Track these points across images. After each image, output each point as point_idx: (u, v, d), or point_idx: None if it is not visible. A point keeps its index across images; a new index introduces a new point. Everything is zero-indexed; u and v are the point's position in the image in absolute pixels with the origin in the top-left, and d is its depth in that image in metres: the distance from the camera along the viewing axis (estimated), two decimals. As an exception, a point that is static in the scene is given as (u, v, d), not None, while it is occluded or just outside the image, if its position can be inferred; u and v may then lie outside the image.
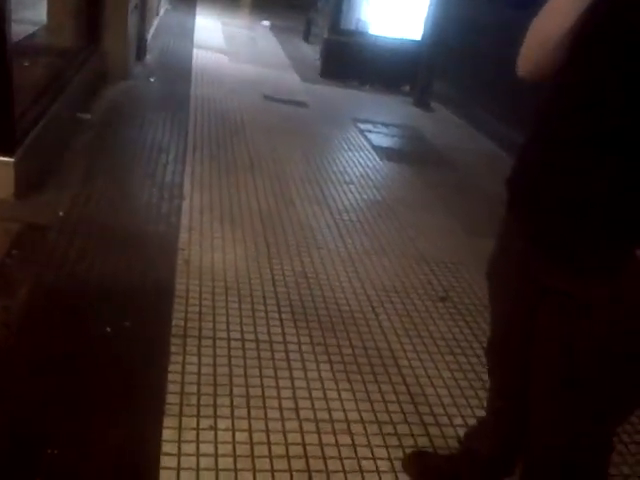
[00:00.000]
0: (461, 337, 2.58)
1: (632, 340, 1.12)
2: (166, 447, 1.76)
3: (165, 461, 1.72)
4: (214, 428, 1.86)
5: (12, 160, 2.86)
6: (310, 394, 2.09)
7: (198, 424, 1.87)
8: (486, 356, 1.69)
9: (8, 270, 2.41)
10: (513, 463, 1.69)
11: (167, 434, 1.80)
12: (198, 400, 1.96)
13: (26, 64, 4.10)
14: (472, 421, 2.11)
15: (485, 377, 2.33)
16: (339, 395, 2.11)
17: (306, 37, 9.79)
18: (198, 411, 1.91)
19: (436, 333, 2.57)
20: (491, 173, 4.95)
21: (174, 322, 2.31)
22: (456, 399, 2.21)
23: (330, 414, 2.02)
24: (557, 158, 1.14)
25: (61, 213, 2.88)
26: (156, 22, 8.22)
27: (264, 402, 2.01)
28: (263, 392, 2.05)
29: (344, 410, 2.05)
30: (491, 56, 11.76)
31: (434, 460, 1.89)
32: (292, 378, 2.15)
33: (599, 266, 1.10)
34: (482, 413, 2.15)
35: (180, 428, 1.83)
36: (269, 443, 1.86)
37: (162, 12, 9.31)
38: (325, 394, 2.10)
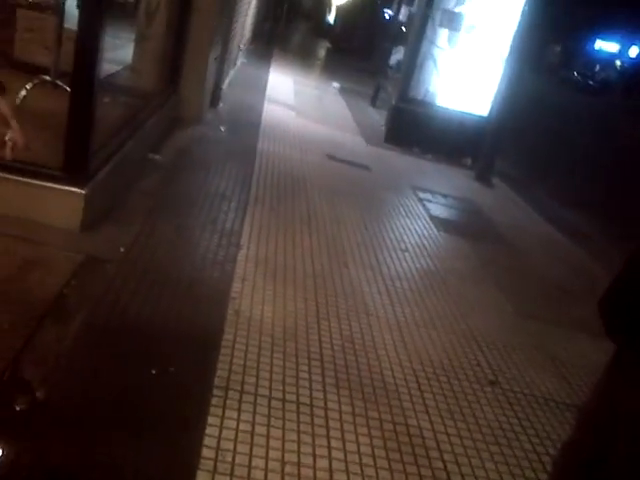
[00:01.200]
0: (508, 427, 2.47)
1: None
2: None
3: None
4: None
5: (83, 192, 2.95)
6: (347, 467, 2.02)
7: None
8: None
9: (65, 301, 2.45)
10: None
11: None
12: (233, 459, 1.92)
13: (106, 100, 4.30)
14: (513, 520, 2.00)
15: (529, 474, 2.23)
16: (376, 473, 2.03)
17: (374, 102, 9.99)
18: (232, 470, 1.87)
19: (482, 420, 2.47)
20: (546, 255, 4.86)
21: (218, 373, 2.29)
22: (498, 493, 2.10)
23: (366, 492, 1.95)
24: None
25: (122, 249, 2.94)
26: (232, 73, 8.54)
27: (299, 470, 1.95)
28: (299, 459, 2.00)
29: (380, 489, 1.97)
30: (555, 137, 11.77)
31: None
32: (329, 447, 2.09)
33: None
34: (525, 513, 2.04)
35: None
36: (300, 514, 1.80)
37: (239, 64, 9.68)
38: (362, 470, 2.03)
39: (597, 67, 39.94)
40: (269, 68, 10.97)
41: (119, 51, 5.13)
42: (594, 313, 3.99)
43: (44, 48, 4.61)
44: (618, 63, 41.39)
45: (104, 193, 3.22)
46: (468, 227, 5.09)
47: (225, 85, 7.38)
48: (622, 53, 41.76)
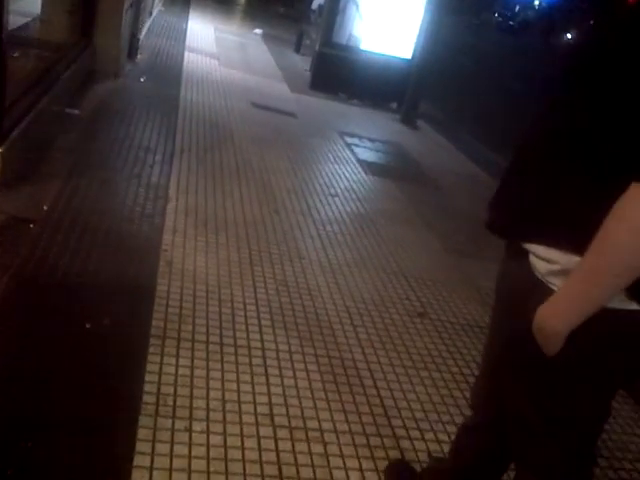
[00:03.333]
0: (436, 353, 2.62)
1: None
2: (140, 446, 1.77)
3: (138, 460, 1.73)
4: (189, 430, 1.88)
5: (-1, 150, 2.85)
6: (285, 401, 2.11)
7: (173, 425, 1.88)
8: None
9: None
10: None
11: (142, 433, 1.81)
12: (174, 401, 1.97)
13: (16, 55, 4.09)
14: (443, 436, 2.15)
15: (457, 394, 2.39)
16: (314, 404, 2.13)
17: (297, 48, 9.87)
18: (174, 412, 1.92)
19: (412, 348, 2.61)
20: (472, 194, 5.04)
21: (154, 323, 2.31)
22: (428, 414, 2.24)
23: (304, 422, 2.04)
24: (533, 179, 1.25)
25: (45, 207, 2.87)
26: (149, 22, 8.23)
27: (240, 407, 2.02)
28: (239, 397, 2.07)
29: (318, 419, 2.07)
30: (477, 79, 11.99)
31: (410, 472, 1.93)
32: (268, 384, 2.17)
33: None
34: (453, 429, 2.19)
35: (155, 428, 1.84)
36: (243, 448, 1.87)
37: (155, 13, 9.32)
38: (300, 402, 2.12)
39: (517, 7, 40.52)
40: (188, 15, 10.61)
41: (27, 1, 4.85)
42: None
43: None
44: (537, 3, 42.13)
45: (22, 150, 3.11)
46: (395, 169, 5.19)
47: (142, 35, 7.11)
48: (540, -7, 42.47)
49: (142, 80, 5.66)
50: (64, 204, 2.98)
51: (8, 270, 2.36)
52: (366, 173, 4.82)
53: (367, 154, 5.39)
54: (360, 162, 5.06)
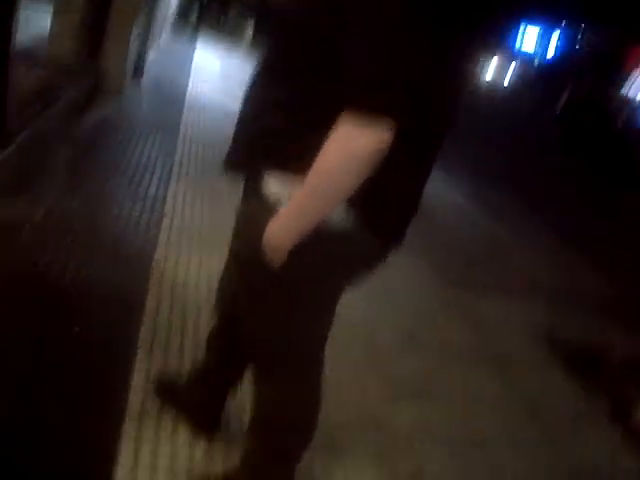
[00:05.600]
0: (424, 381, 2.60)
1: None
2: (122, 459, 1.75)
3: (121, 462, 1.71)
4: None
5: (-2, 159, 2.88)
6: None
7: (158, 432, 1.86)
8: None
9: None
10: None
11: (125, 442, 1.79)
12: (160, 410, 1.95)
13: (21, 72, 4.15)
14: (427, 463, 2.12)
15: (439, 420, 2.37)
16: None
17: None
18: (159, 421, 1.91)
19: (400, 376, 2.60)
20: (460, 226, 5.07)
21: (141, 335, 2.30)
22: (414, 442, 2.22)
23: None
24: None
25: (38, 218, 2.88)
26: (156, 45, 8.37)
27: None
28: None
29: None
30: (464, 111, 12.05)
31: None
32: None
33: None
34: (437, 454, 2.17)
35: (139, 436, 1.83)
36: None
37: (163, 37, 9.48)
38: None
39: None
40: (196, 45, 10.80)
41: (34, 21, 4.94)
42: (504, 277, 4.17)
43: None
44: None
45: (18, 163, 3.12)
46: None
47: (149, 57, 7.23)
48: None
49: (145, 101, 5.74)
50: (56, 218, 2.98)
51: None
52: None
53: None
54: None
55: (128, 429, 1.84)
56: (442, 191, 5.96)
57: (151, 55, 7.61)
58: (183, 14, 12.80)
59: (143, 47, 6.47)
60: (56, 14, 5.02)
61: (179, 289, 2.70)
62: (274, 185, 1.28)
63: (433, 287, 3.58)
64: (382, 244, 1.38)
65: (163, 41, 9.39)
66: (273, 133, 1.29)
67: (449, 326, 3.15)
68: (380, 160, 1.13)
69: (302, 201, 1.21)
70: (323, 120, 1.15)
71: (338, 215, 1.25)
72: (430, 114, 1.23)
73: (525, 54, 21.01)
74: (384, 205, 1.29)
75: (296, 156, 1.22)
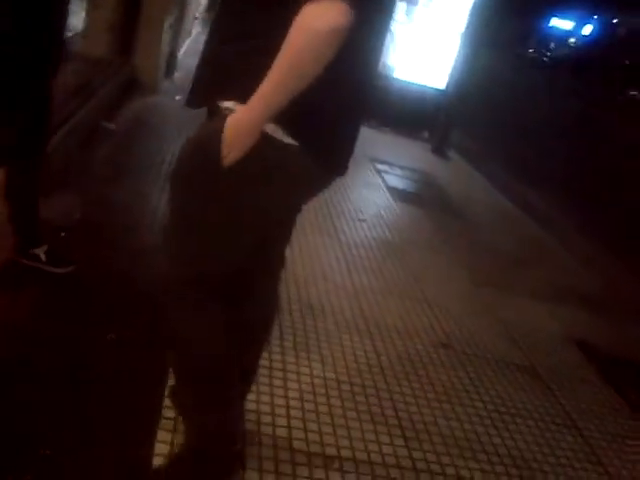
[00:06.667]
0: (460, 387, 2.56)
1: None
2: (157, 462, 1.74)
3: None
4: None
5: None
6: (305, 426, 2.07)
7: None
8: None
9: (20, 267, 2.42)
10: None
11: (159, 448, 1.78)
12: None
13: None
14: (464, 472, 2.09)
15: (480, 429, 2.33)
16: (334, 430, 2.08)
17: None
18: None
19: (435, 379, 2.55)
20: (501, 228, 4.98)
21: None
22: (450, 448, 2.18)
23: (323, 448, 1.99)
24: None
25: (77, 216, 2.90)
26: (187, 42, 8.38)
27: (259, 428, 1.99)
28: (259, 418, 2.03)
29: (337, 446, 2.02)
30: (510, 112, 11.95)
31: None
32: (288, 407, 2.13)
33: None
34: (475, 465, 2.13)
35: (173, 444, 1.82)
36: (260, 470, 1.83)
37: (195, 33, 9.50)
38: (320, 428, 2.08)
39: (552, 44, 40.54)
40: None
41: (70, 18, 4.97)
42: (543, 281, 4.13)
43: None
44: (572, 41, 42.12)
45: (56, 160, 3.14)
46: (425, 198, 5.17)
47: (180, 54, 7.24)
48: (576, 31, 42.47)
49: (177, 98, 5.74)
50: (96, 214, 3.01)
51: (38, 278, 2.38)
52: (395, 200, 4.80)
53: (397, 181, 5.38)
54: (389, 189, 5.04)
55: (161, 436, 1.83)
56: (484, 193, 5.89)
57: (183, 51, 7.63)
58: (213, 9, 12.81)
59: (175, 43, 6.48)
60: (90, 11, 5.06)
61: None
62: (229, 104, 1.39)
63: (468, 289, 3.52)
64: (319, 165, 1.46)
65: (194, 37, 9.40)
66: (228, 68, 1.41)
67: (484, 331, 3.08)
68: (341, 39, 1.24)
69: (277, 78, 1.28)
70: (271, 50, 1.27)
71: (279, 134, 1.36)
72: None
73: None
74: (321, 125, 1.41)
75: (249, 87, 1.31)
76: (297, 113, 1.32)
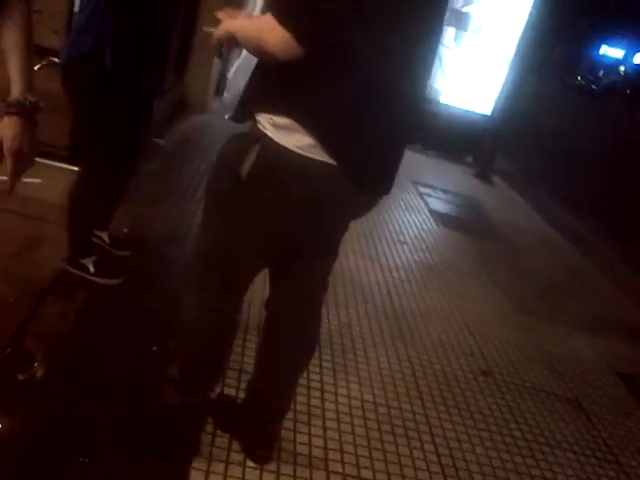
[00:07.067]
0: (499, 414, 2.52)
1: None
2: (194, 475, 1.77)
3: (191, 488, 1.73)
4: (243, 464, 1.87)
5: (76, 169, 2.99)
6: (341, 447, 2.07)
7: (228, 457, 1.87)
8: None
9: (67, 279, 2.50)
10: None
11: (197, 463, 1.81)
12: (231, 433, 1.96)
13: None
14: (501, 503, 2.05)
15: (518, 459, 2.29)
16: (370, 453, 2.08)
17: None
18: (230, 444, 1.92)
19: (474, 406, 2.52)
20: (544, 255, 4.91)
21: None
22: (487, 477, 2.15)
23: (359, 471, 1.99)
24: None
25: (125, 230, 2.98)
26: (238, 62, 8.56)
27: (295, 448, 2.00)
28: (295, 437, 2.05)
29: (373, 469, 2.02)
30: (556, 140, 11.80)
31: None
32: (325, 428, 2.14)
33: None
34: (513, 497, 2.09)
35: (210, 458, 1.84)
36: (294, 489, 1.85)
37: (244, 54, 9.69)
38: (356, 450, 2.08)
39: (601, 72, 39.94)
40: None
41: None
42: (584, 311, 4.05)
43: (53, 32, 4.64)
44: (622, 69, 41.41)
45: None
46: (467, 223, 5.14)
47: (230, 74, 7.40)
48: (626, 59, 41.77)
49: (226, 117, 5.86)
50: (143, 228, 3.09)
51: (84, 289, 2.46)
52: (437, 224, 4.79)
53: (439, 205, 5.36)
54: (432, 212, 5.03)
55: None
56: (526, 220, 5.82)
57: (232, 71, 7.79)
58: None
59: (225, 64, 6.63)
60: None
61: (254, 309, 2.72)
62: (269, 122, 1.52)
63: (509, 316, 3.48)
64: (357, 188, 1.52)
65: (243, 58, 9.59)
66: (257, 89, 1.61)
67: (525, 360, 3.04)
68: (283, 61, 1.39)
69: (245, 30, 1.55)
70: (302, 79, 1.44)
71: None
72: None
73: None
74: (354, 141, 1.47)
75: (271, 100, 1.52)
76: (337, 134, 1.43)
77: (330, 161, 1.45)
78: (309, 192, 1.50)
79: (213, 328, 1.77)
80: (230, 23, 1.61)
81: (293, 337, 1.83)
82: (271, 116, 1.49)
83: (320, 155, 1.45)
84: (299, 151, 1.45)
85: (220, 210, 1.63)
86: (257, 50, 1.49)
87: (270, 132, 1.49)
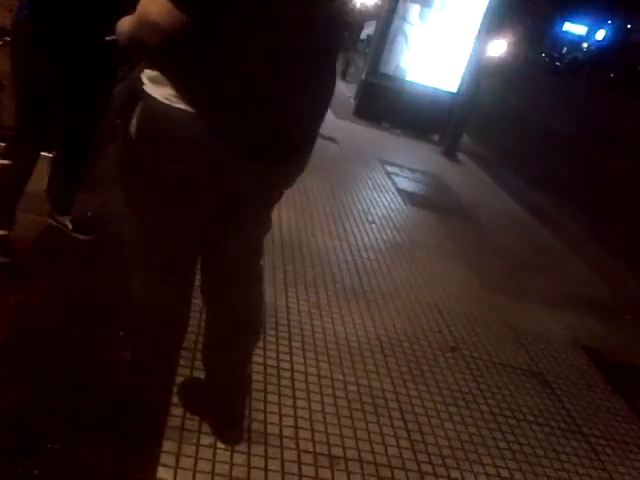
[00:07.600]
0: (466, 390, 2.57)
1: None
2: (164, 458, 1.77)
3: (161, 472, 1.72)
4: (213, 446, 1.87)
5: (50, 156, 2.92)
6: (311, 426, 2.09)
7: (199, 440, 1.87)
8: None
9: (31, 263, 2.45)
10: None
11: (167, 446, 1.81)
12: (201, 416, 1.96)
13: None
14: (469, 476, 2.10)
15: (485, 433, 2.33)
16: (340, 431, 2.10)
17: (344, 76, 9.97)
18: (200, 427, 1.92)
19: (442, 382, 2.56)
20: (511, 232, 4.98)
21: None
22: (455, 451, 2.19)
23: (329, 449, 2.01)
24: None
25: (89, 214, 2.93)
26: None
27: (265, 428, 2.01)
28: (265, 417, 2.05)
29: (343, 447, 2.04)
30: (521, 117, 11.93)
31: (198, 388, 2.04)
32: (295, 407, 2.15)
33: None
34: (480, 469, 2.14)
35: (180, 441, 1.84)
36: (266, 469, 1.86)
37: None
38: (326, 428, 2.10)
39: (564, 49, 40.40)
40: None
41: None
42: (552, 287, 4.12)
43: (8, 12, 4.50)
44: (585, 45, 41.92)
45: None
46: (435, 202, 5.17)
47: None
48: (589, 36, 42.28)
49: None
50: (109, 213, 3.03)
51: (48, 274, 2.41)
52: (405, 203, 4.81)
53: (407, 184, 5.39)
54: (399, 191, 5.05)
55: (169, 434, 1.85)
56: (494, 197, 5.89)
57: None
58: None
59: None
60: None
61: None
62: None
63: (477, 294, 3.53)
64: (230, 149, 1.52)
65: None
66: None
67: (492, 336, 3.09)
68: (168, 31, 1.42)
69: (130, 23, 1.53)
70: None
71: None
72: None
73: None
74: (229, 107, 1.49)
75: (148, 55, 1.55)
76: (193, 83, 1.48)
77: (190, 109, 1.48)
78: (181, 140, 1.51)
79: (164, 306, 1.76)
80: (121, 20, 1.62)
81: (230, 307, 1.86)
82: (146, 70, 1.54)
83: (183, 104, 1.48)
84: (166, 102, 1.49)
85: (127, 181, 1.67)
86: (145, 26, 1.48)
87: (146, 87, 1.52)
